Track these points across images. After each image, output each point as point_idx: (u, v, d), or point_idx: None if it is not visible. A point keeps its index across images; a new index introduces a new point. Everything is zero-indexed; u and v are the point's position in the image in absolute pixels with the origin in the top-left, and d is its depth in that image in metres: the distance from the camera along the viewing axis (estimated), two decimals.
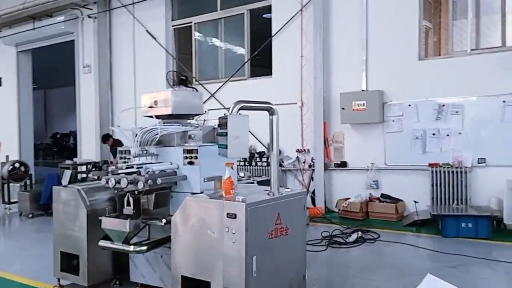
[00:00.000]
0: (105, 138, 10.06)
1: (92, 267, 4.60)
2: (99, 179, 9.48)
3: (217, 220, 3.62)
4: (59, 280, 4.88)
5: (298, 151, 8.80)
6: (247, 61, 9.87)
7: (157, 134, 4.40)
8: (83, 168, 10.45)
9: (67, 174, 9.34)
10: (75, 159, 10.79)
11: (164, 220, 4.11)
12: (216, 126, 4.10)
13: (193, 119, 5.02)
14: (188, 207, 3.82)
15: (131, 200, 4.22)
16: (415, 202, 7.16)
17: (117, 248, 4.26)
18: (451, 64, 7.48)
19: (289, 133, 8.62)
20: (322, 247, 5.95)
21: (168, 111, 4.53)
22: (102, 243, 4.34)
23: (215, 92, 10.20)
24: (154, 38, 11.09)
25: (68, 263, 4.78)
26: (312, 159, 8.63)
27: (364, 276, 4.87)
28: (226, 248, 3.56)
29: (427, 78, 7.56)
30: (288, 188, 4.18)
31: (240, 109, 3.81)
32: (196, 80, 10.57)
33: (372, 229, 6.84)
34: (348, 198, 7.89)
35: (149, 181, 4.01)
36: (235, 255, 3.50)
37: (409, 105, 7.66)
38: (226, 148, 3.68)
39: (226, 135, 3.67)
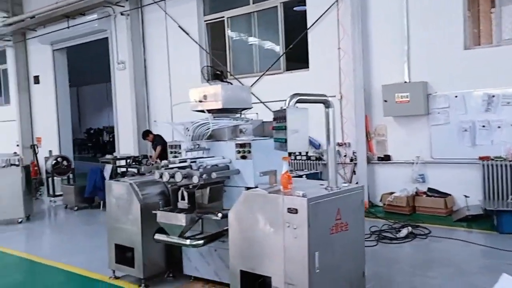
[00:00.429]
0: (145, 134, 10.16)
1: (146, 260, 4.63)
2: (139, 172, 9.68)
3: (277, 215, 3.56)
4: (114, 271, 4.96)
5: (338, 144, 8.65)
6: (283, 54, 9.77)
7: (209, 128, 4.38)
8: (122, 162, 10.58)
9: (108, 168, 9.49)
10: (114, 154, 10.93)
11: (220, 214, 4.09)
12: (271, 120, 4.03)
13: (240, 113, 4.96)
14: (246, 201, 3.77)
15: (185, 194, 4.21)
16: (466, 196, 6.92)
17: (173, 242, 4.27)
18: (500, 53, 7.17)
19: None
20: (372, 242, 5.83)
21: (218, 105, 4.49)
22: (158, 236, 4.35)
23: (251, 86, 10.12)
24: (187, 34, 11.09)
25: (123, 255, 4.83)
26: (354, 152, 8.48)
27: (423, 273, 4.73)
28: (287, 244, 3.50)
29: (475, 68, 7.28)
30: (345, 183, 4.08)
31: (296, 102, 3.74)
32: (231, 75, 10.53)
33: (421, 224, 6.65)
34: (392, 193, 7.71)
35: (204, 175, 3.99)
36: (298, 251, 3.44)
37: (456, 96, 7.40)
38: (284, 142, 3.60)
39: (284, 128, 3.59)
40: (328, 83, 8.75)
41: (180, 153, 4.73)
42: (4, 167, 8.12)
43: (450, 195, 7.40)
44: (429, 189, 7.56)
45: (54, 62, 14.82)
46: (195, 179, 3.97)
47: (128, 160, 10.31)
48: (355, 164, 8.47)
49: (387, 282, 4.57)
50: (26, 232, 7.85)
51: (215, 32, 11.12)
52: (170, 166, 4.28)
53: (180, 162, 4.28)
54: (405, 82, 7.82)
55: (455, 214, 7.10)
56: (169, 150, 4.83)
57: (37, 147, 11.48)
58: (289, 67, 9.87)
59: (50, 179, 10.59)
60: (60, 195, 10.43)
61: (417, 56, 7.79)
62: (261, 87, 10.04)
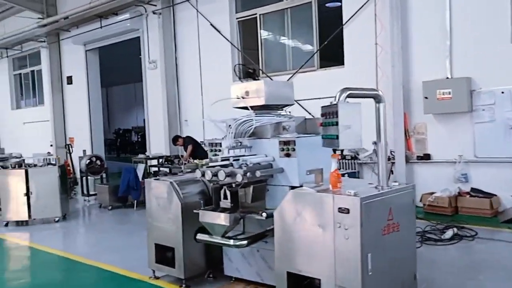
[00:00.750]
0: (175, 140, 10.17)
1: (187, 260, 4.56)
2: (171, 172, 9.69)
3: (326, 215, 3.42)
4: (154, 271, 4.90)
5: (374, 143, 8.39)
6: (317, 51, 9.57)
7: (252, 125, 4.26)
8: (154, 162, 10.61)
9: (141, 168, 9.54)
10: (146, 153, 10.97)
11: (264, 214, 3.97)
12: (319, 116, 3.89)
13: (282, 110, 4.83)
14: (293, 200, 3.65)
15: (228, 193, 4.10)
16: None
17: (215, 242, 4.18)
18: None
19: (364, 125, 8.20)
20: (416, 244, 5.59)
21: (261, 101, 4.37)
22: (200, 236, 4.26)
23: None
24: (219, 32, 11.02)
25: (163, 255, 4.78)
26: (391, 151, 8.21)
27: (474, 276, 4.51)
28: (338, 245, 3.35)
29: None
30: (395, 182, 3.90)
31: (347, 96, 3.60)
32: (263, 73, 10.40)
33: (466, 225, 6.37)
34: (433, 193, 7.42)
35: (248, 174, 3.87)
36: (349, 252, 3.29)
37: (502, 92, 7.06)
38: (335, 138, 3.45)
39: (335, 124, 3.44)
40: (364, 80, 8.48)
41: (220, 151, 4.64)
42: (41, 166, 8.21)
43: (495, 195, 7.05)
44: (473, 189, 7.24)
45: (87, 62, 15.03)
46: (239, 178, 3.86)
47: (161, 160, 10.34)
48: (393, 163, 8.20)
49: (439, 286, 4.36)
50: (63, 230, 7.94)
51: (247, 29, 11.01)
52: (211, 164, 4.19)
53: (222, 160, 4.18)
54: (447, 78, 7.51)
55: (502, 215, 6.78)
56: (208, 148, 4.74)
57: (71, 147, 11.62)
58: (322, 65, 9.68)
59: (84, 179, 10.71)
60: (94, 195, 10.54)
61: (460, 51, 7.47)
62: (294, 85, 9.85)
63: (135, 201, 9.20)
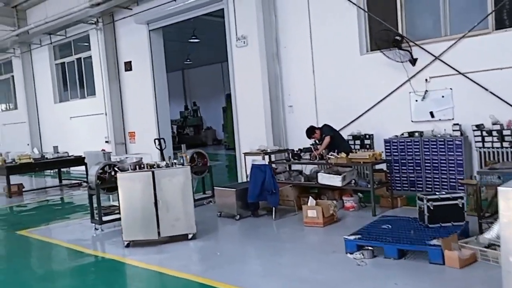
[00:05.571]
0: (311, 132, 8.00)
1: None
2: (290, 169, 7.51)
3: None
4: None
5: None
6: (495, 10, 7.41)
7: None
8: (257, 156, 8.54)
9: None
10: (260, 146, 8.87)
11: None
12: None
13: None
14: None
15: None
16: None
17: None
18: None
19: None
20: None
21: None
22: None
23: (441, 54, 7.89)
24: None
25: None
26: None
27: None
28: None
29: None
30: None
31: None
32: (408, 40, 8.25)
33: None
34: None
35: None
36: None
37: None
38: None
39: None
40: None
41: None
42: (168, 167, 6.12)
43: None
44: None
45: (151, 44, 12.91)
46: None
47: (286, 154, 8.29)
48: None
49: None
50: (217, 254, 5.61)
51: None
52: None
53: None
54: None
55: None
56: None
57: (164, 141, 9.56)
58: (499, 25, 7.54)
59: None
60: (200, 199, 8.49)
61: None
62: (454, 54, 7.79)
63: (273, 208, 7.11)
